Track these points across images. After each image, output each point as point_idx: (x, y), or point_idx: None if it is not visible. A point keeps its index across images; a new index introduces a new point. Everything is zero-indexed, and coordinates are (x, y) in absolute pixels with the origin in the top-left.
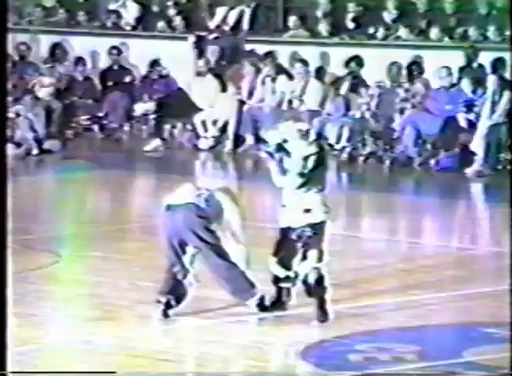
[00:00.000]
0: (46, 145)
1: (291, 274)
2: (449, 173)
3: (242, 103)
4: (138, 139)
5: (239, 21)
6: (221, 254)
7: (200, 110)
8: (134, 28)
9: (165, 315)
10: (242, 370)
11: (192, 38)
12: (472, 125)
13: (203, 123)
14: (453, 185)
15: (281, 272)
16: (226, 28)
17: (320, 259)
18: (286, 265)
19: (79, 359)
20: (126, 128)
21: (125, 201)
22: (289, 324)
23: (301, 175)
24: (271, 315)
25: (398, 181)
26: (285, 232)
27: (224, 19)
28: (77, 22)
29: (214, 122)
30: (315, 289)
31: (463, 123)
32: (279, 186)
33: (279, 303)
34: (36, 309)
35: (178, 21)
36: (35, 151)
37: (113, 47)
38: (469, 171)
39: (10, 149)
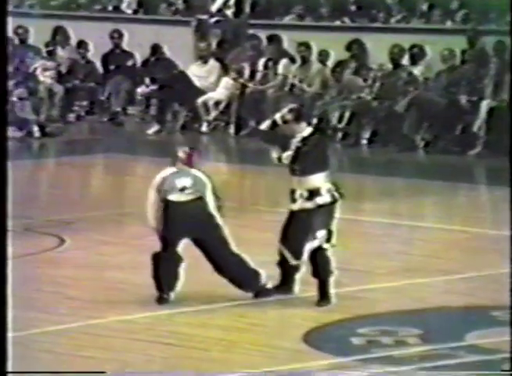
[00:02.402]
0: (48, 128)
1: (301, 259)
2: (452, 155)
3: (244, 86)
4: (141, 122)
5: (240, 4)
6: (225, 244)
7: (202, 93)
8: (135, 12)
9: (163, 300)
10: (244, 353)
11: (193, 22)
12: (474, 107)
13: (206, 106)
14: (456, 167)
15: (290, 258)
16: (228, 12)
17: (328, 240)
18: (296, 250)
19: (82, 343)
20: (128, 111)
21: (127, 185)
22: (291, 307)
23: (306, 156)
24: (273, 298)
25: (401, 163)
26: (294, 215)
27: (225, 3)
28: (78, 5)
29: (216, 106)
30: (321, 270)
31: (465, 105)
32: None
33: (283, 286)
34: (38, 293)
35: (179, 4)
36: (37, 134)
37: (115, 30)
38: (471, 153)
39: (12, 132)
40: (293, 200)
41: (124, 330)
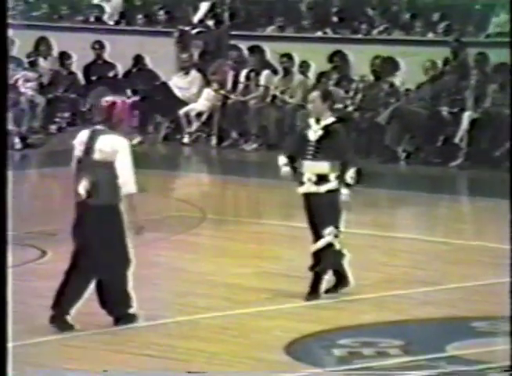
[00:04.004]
0: (30, 139)
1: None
2: (434, 167)
3: (226, 97)
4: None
5: (222, 16)
6: None
7: (184, 104)
8: (117, 23)
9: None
10: (225, 364)
11: (175, 33)
12: (456, 119)
13: (187, 118)
14: (438, 178)
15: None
16: (210, 23)
17: (337, 236)
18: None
19: (67, 355)
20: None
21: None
22: (272, 319)
23: (318, 143)
24: (254, 309)
25: (382, 175)
26: (306, 198)
27: (207, 14)
28: (60, 16)
29: (198, 117)
30: (321, 264)
31: (447, 116)
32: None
33: (314, 292)
34: (22, 305)
35: (161, 15)
36: (19, 146)
37: (97, 41)
38: (453, 164)
39: None
40: (301, 184)
41: (105, 342)
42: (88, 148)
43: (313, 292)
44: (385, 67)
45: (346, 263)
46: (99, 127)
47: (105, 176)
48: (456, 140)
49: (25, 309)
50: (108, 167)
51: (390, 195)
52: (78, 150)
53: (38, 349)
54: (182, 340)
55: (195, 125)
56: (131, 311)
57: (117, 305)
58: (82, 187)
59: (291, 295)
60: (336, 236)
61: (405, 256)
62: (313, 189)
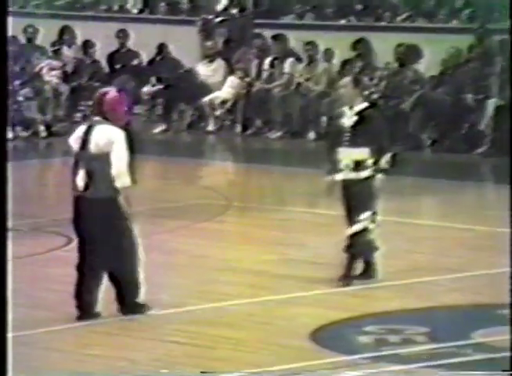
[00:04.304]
0: (54, 128)
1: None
2: (458, 154)
3: (250, 85)
4: (147, 121)
5: (246, 4)
6: None
7: (209, 92)
8: (140, 11)
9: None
10: (251, 351)
11: (199, 21)
12: (480, 106)
13: (212, 106)
14: (462, 166)
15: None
16: (233, 11)
17: (373, 221)
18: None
19: (90, 342)
20: (134, 111)
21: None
22: (298, 305)
23: (353, 129)
24: (280, 297)
25: (407, 162)
26: (343, 185)
27: (231, 2)
28: (84, 5)
29: (223, 105)
30: (357, 246)
31: (471, 104)
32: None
33: (347, 275)
34: (47, 292)
35: (184, 4)
36: (43, 134)
37: (121, 30)
38: (477, 151)
39: (18, 131)
40: (338, 171)
41: (131, 329)
42: (84, 141)
43: (346, 275)
44: (409, 55)
45: (377, 256)
46: (95, 119)
47: (103, 169)
48: (481, 127)
49: (50, 296)
50: (105, 159)
51: (414, 182)
52: (74, 144)
53: (64, 336)
54: (208, 327)
55: (219, 113)
56: (140, 300)
57: (126, 294)
58: (81, 181)
59: (316, 282)
60: (373, 221)
61: (430, 243)
62: (351, 175)
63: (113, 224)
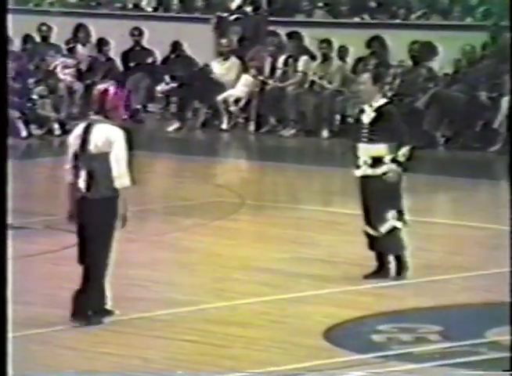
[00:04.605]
0: (69, 126)
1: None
2: (472, 152)
3: (264, 83)
4: (161, 119)
5: (260, 2)
6: None
7: (223, 90)
8: (155, 9)
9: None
10: (264, 350)
11: (213, 19)
12: (495, 103)
13: (226, 104)
14: (477, 163)
15: (369, 229)
16: (248, 9)
17: (400, 219)
18: (375, 219)
19: (104, 340)
20: (148, 108)
21: (148, 182)
22: (312, 304)
23: (371, 125)
24: (294, 295)
25: (421, 160)
26: (361, 181)
27: (245, 0)
28: (98, 3)
29: (237, 103)
30: (395, 247)
31: (485, 101)
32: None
33: (381, 271)
34: (60, 290)
35: (198, 2)
36: (58, 132)
37: (135, 28)
38: (492, 149)
39: (32, 129)
40: (357, 167)
41: (144, 327)
42: (84, 141)
43: (380, 270)
44: (423, 52)
45: (407, 253)
46: (94, 117)
47: (103, 169)
48: (495, 125)
49: (64, 294)
50: (105, 159)
51: (428, 180)
52: (74, 144)
53: (77, 334)
54: (221, 325)
55: (233, 111)
56: (107, 306)
57: (93, 299)
58: (82, 181)
59: (330, 281)
60: (399, 219)
61: (444, 241)
62: (369, 171)
63: (105, 224)
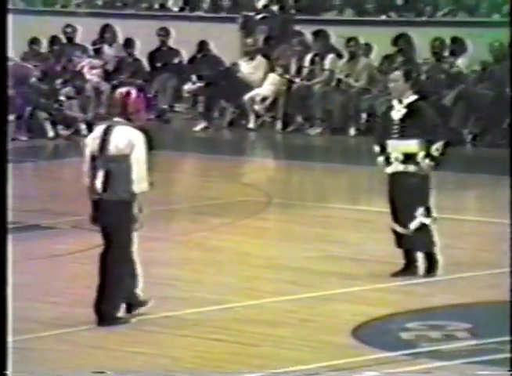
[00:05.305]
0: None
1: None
2: (500, 149)
3: (291, 82)
4: (188, 119)
5: (286, 1)
6: None
7: (249, 89)
8: (181, 9)
9: None
10: (293, 348)
11: (240, 19)
12: None
13: (252, 103)
14: (504, 161)
15: (397, 226)
16: (274, 8)
17: (428, 215)
18: (403, 217)
19: (131, 339)
20: (175, 108)
21: (175, 182)
22: (340, 302)
23: (402, 121)
24: (323, 293)
25: (448, 157)
26: (392, 178)
27: None
28: (125, 3)
29: (263, 102)
30: (425, 244)
31: None
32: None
33: (409, 269)
34: (87, 290)
35: (225, 1)
36: (85, 132)
37: (162, 28)
38: None
39: (60, 130)
40: (388, 164)
41: (172, 326)
42: (103, 143)
43: (409, 268)
44: (452, 48)
45: (438, 250)
46: (115, 119)
47: (122, 171)
48: None
49: (91, 294)
50: (124, 161)
51: (455, 177)
52: (92, 145)
53: (105, 333)
54: (249, 324)
55: (260, 110)
56: (110, 312)
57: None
58: (99, 182)
59: (358, 279)
60: (428, 216)
61: (471, 239)
62: (401, 168)
63: (119, 226)
